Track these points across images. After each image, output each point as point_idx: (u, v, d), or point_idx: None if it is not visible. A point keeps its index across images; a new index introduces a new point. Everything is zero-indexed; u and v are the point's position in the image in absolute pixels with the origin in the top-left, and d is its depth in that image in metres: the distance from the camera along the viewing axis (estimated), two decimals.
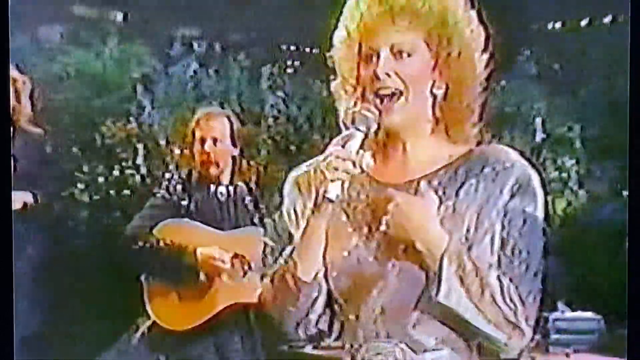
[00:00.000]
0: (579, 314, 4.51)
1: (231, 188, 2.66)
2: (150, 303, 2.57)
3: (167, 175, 2.78)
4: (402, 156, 1.27)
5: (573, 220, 5.24)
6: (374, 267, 1.23)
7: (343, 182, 1.19)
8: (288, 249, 1.25)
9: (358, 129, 1.21)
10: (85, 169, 4.69)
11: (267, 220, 1.31)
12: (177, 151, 4.63)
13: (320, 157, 1.26)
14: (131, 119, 4.82)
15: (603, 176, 5.30)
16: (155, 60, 4.97)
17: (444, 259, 1.19)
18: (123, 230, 2.70)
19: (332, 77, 1.30)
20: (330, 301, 1.26)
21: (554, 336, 4.34)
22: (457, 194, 1.24)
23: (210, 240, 2.51)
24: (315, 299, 1.25)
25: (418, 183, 1.25)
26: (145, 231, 2.55)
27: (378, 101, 1.23)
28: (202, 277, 2.50)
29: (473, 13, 1.28)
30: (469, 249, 1.22)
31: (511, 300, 1.23)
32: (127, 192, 4.62)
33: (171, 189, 2.65)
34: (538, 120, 5.32)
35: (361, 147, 1.21)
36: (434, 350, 1.24)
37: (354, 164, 1.19)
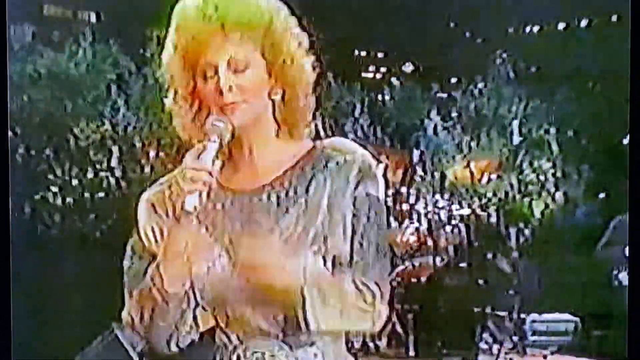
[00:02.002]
0: (555, 315, 4.54)
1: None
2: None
3: (142, 176, 2.73)
4: (249, 162, 1.31)
5: (550, 222, 5.29)
6: (235, 275, 1.26)
7: (200, 193, 1.22)
8: (152, 265, 1.27)
9: (210, 139, 1.24)
10: (58, 171, 4.61)
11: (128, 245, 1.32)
12: (152, 153, 4.58)
13: (174, 172, 1.32)
14: (105, 120, 4.76)
15: (579, 178, 5.35)
16: (130, 61, 4.90)
17: (304, 291, 1.25)
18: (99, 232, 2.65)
19: (165, 94, 1.32)
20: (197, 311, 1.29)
21: (531, 338, 4.37)
22: (307, 191, 1.29)
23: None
24: (184, 311, 1.27)
25: (271, 186, 1.30)
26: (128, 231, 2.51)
27: (219, 111, 1.26)
28: None
29: (294, 19, 1.32)
30: (324, 240, 1.28)
31: (369, 292, 1.29)
32: (101, 194, 4.55)
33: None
34: (515, 123, 5.36)
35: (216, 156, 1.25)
36: (311, 344, 1.27)
37: (210, 174, 1.22)
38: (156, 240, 1.30)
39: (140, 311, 1.28)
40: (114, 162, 4.66)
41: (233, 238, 1.27)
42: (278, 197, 1.28)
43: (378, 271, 1.30)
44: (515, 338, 4.01)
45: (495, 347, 4.05)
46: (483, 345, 4.11)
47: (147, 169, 4.46)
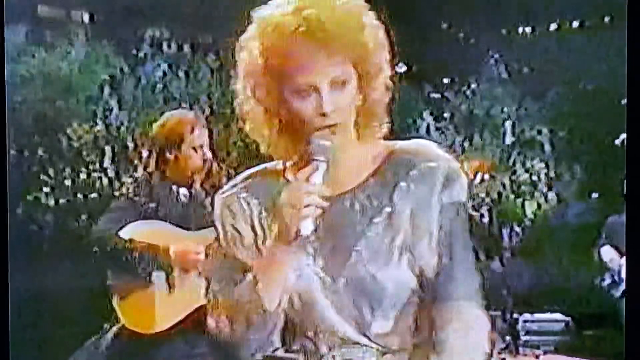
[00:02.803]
0: (548, 315, 4.56)
1: (193, 190, 2.62)
2: (120, 306, 2.51)
3: (129, 177, 2.73)
4: (332, 168, 1.26)
5: (542, 222, 5.30)
6: (325, 284, 1.25)
7: (316, 217, 1.20)
8: (248, 279, 1.23)
9: (318, 160, 1.21)
10: (51, 172, 4.59)
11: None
12: (145, 153, 4.57)
13: (247, 173, 1.30)
14: (98, 121, 4.74)
15: (572, 179, 5.37)
16: (123, 61, 4.89)
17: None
18: (89, 233, 2.64)
19: (239, 102, 1.27)
20: (286, 321, 1.27)
21: (523, 337, 4.38)
22: (391, 199, 1.26)
23: (179, 240, 2.46)
24: (276, 325, 1.26)
25: (353, 194, 1.27)
26: (113, 233, 2.49)
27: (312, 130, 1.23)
28: (175, 274, 2.45)
29: (380, 27, 1.29)
30: (411, 251, 1.26)
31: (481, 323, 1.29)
32: (94, 195, 4.54)
33: (134, 190, 2.60)
34: (508, 124, 5.37)
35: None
36: (400, 350, 1.27)
37: (324, 196, 1.20)
38: (240, 243, 1.27)
39: (231, 323, 1.25)
40: (106, 163, 4.64)
41: (318, 248, 1.25)
42: (362, 205, 1.25)
43: (477, 283, 1.28)
44: (507, 338, 4.02)
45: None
46: None
47: (140, 170, 4.45)
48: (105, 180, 4.60)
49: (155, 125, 2.71)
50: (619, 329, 3.97)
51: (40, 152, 4.59)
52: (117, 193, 2.65)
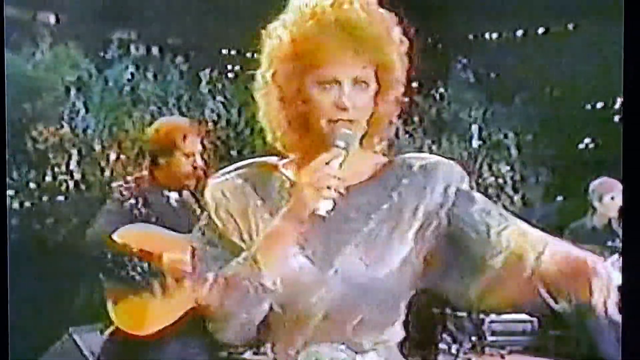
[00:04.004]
0: (513, 316, 4.62)
1: (184, 196, 2.64)
2: (114, 309, 2.50)
3: (119, 181, 2.72)
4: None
5: None
6: (314, 274, 1.25)
7: (334, 199, 1.22)
8: (245, 254, 1.24)
9: (339, 146, 1.24)
10: (15, 175, 4.52)
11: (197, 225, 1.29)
12: (113, 156, 4.53)
13: (240, 164, 1.31)
14: (64, 123, 4.68)
15: (537, 182, 5.45)
16: (90, 63, 4.84)
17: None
18: (84, 236, 2.63)
19: (262, 81, 1.29)
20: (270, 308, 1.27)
21: (489, 338, 4.44)
22: (390, 196, 1.29)
23: (173, 244, 2.46)
24: (265, 307, 1.25)
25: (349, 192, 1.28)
26: (106, 237, 2.49)
27: (327, 124, 1.26)
28: (169, 280, 2.45)
29: (402, 37, 1.33)
30: (416, 241, 1.28)
31: None
32: (60, 198, 4.48)
33: (125, 194, 2.60)
34: (475, 127, 5.44)
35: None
36: (372, 350, 1.27)
37: (341, 180, 1.23)
38: (231, 226, 1.27)
39: (221, 300, 1.24)
40: (73, 166, 4.59)
41: (310, 239, 1.26)
42: (358, 203, 1.27)
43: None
44: (474, 338, 4.06)
45: (455, 347, 4.10)
46: (442, 346, 4.16)
47: (107, 172, 4.41)
48: (71, 184, 4.54)
49: (148, 130, 2.74)
50: (583, 330, 4.05)
51: (4, 154, 4.52)
52: (111, 196, 2.65)
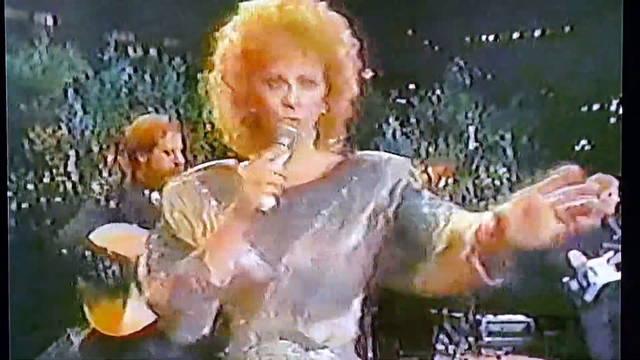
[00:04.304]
0: (510, 317, 4.64)
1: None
2: (90, 310, 2.49)
3: (100, 181, 2.71)
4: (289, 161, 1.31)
5: None
6: (265, 271, 1.27)
7: (276, 195, 1.23)
8: (194, 253, 1.26)
9: (282, 144, 1.26)
10: (13, 176, 4.52)
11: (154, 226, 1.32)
12: (110, 157, 4.53)
13: (198, 167, 1.33)
14: (62, 124, 4.68)
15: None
16: (87, 64, 4.84)
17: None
18: (56, 236, 2.62)
19: (212, 81, 1.32)
20: (220, 306, 1.29)
21: (486, 338, 4.45)
22: (340, 192, 1.31)
23: None
24: (213, 304, 1.27)
25: (301, 191, 1.30)
26: (82, 237, 2.48)
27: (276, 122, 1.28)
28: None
29: (355, 42, 1.33)
30: (364, 234, 1.28)
31: None
32: (58, 199, 4.48)
33: (105, 194, 2.59)
34: (471, 129, 5.46)
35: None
36: (324, 347, 1.29)
37: (284, 177, 1.24)
38: (187, 228, 1.29)
39: (168, 297, 1.26)
40: (70, 167, 4.59)
41: (259, 235, 1.27)
42: (309, 200, 1.29)
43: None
44: (470, 339, 4.08)
45: (452, 347, 4.11)
46: (439, 346, 4.17)
47: (104, 173, 4.41)
48: (69, 185, 4.54)
49: (128, 128, 2.72)
50: (579, 330, 4.07)
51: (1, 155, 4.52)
52: (86, 196, 2.63)
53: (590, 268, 3.87)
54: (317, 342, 1.28)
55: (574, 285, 3.92)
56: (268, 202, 1.23)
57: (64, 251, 2.51)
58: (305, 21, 1.27)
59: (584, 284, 3.89)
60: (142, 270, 1.32)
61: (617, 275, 3.76)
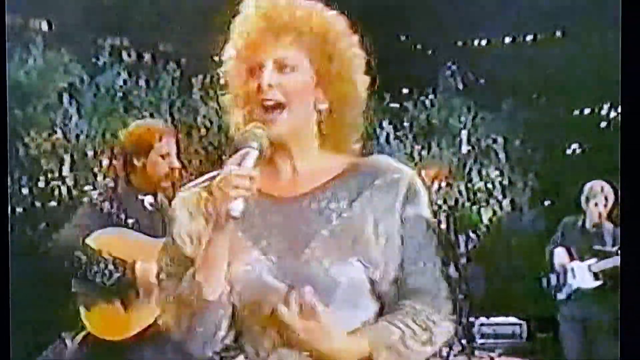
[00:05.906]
0: (503, 319, 4.66)
1: (159, 198, 2.63)
2: (85, 314, 2.50)
3: (95, 185, 2.71)
4: (291, 170, 1.31)
5: (497, 228, 5.42)
6: (276, 278, 1.27)
7: (246, 199, 1.22)
8: (190, 272, 1.26)
9: (250, 146, 1.25)
10: (8, 180, 4.52)
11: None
12: (105, 162, 4.54)
13: (209, 175, 1.32)
14: (57, 129, 4.69)
15: (525, 186, 5.51)
16: (82, 69, 4.85)
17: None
18: (51, 240, 2.62)
19: (222, 92, 1.34)
20: (234, 315, 1.29)
21: (479, 340, 4.48)
22: (351, 206, 1.29)
23: (147, 249, 2.46)
24: (222, 316, 1.27)
25: (312, 195, 1.30)
26: (77, 241, 2.48)
27: (262, 112, 1.28)
28: (140, 292, 2.45)
29: (355, 38, 1.33)
30: (369, 257, 1.27)
31: (425, 332, 1.34)
32: (53, 203, 4.49)
33: (100, 198, 2.60)
34: (464, 133, 5.49)
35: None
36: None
37: (251, 179, 1.22)
38: (192, 244, 1.29)
39: (178, 317, 1.27)
40: (65, 171, 4.60)
41: (272, 243, 1.27)
42: (319, 206, 1.28)
43: (435, 294, 1.32)
44: (464, 341, 4.11)
45: (445, 350, 4.13)
46: None
47: (99, 178, 4.42)
48: (64, 189, 4.55)
49: (123, 133, 2.72)
50: (554, 331, 4.11)
51: None
52: (81, 200, 2.63)
53: (571, 269, 3.94)
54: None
55: (553, 280, 4.00)
56: (236, 208, 1.20)
57: (59, 255, 2.51)
58: (277, 7, 1.29)
59: (562, 281, 3.96)
60: (153, 282, 1.32)
61: (594, 283, 3.86)
